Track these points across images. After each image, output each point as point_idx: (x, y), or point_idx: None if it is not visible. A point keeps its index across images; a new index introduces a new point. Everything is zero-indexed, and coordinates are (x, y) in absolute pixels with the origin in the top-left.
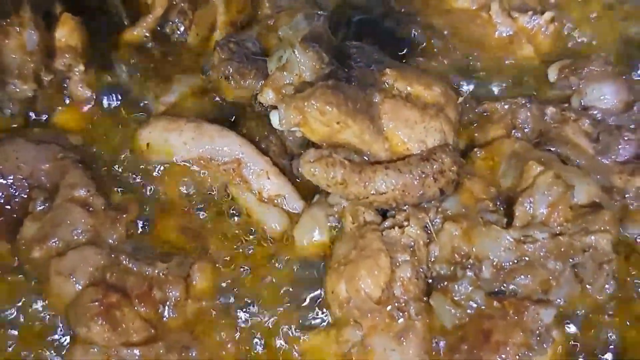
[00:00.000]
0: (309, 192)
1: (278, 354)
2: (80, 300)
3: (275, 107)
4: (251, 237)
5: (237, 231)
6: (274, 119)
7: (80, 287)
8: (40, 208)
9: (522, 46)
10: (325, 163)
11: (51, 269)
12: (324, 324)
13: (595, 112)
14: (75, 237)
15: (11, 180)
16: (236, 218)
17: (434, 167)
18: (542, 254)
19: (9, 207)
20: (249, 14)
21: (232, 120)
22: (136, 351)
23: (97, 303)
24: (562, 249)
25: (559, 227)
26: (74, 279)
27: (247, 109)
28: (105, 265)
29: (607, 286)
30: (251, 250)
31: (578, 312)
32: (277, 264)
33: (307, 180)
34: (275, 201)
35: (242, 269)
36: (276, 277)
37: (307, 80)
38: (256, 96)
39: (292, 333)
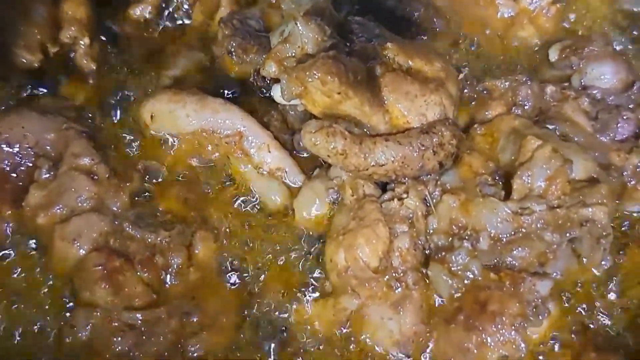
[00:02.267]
0: (309, 167)
1: (277, 321)
2: (83, 264)
3: (277, 81)
4: (252, 209)
5: (238, 203)
6: (276, 92)
7: (84, 252)
8: (45, 176)
9: (524, 27)
10: (326, 133)
11: (55, 235)
12: (323, 292)
13: (594, 91)
14: (80, 205)
15: (17, 149)
16: (237, 190)
17: (434, 140)
18: (539, 226)
19: (14, 175)
20: None
21: (235, 95)
22: (138, 315)
23: (100, 267)
24: (560, 222)
25: (556, 200)
26: (78, 244)
27: (250, 85)
28: (108, 232)
29: (604, 261)
30: (252, 222)
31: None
32: (277, 235)
33: (308, 154)
34: (276, 174)
35: (242, 240)
36: (276, 247)
37: (309, 52)
38: (258, 71)
39: (291, 301)
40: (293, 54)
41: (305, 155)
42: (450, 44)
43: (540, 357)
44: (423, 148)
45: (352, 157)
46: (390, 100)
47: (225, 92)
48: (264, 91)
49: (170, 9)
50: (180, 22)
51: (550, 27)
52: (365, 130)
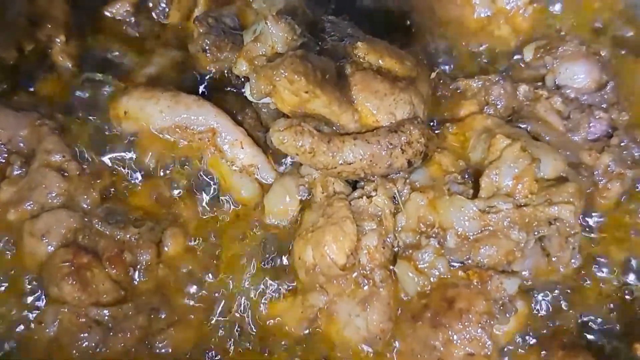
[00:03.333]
0: (283, 164)
1: (245, 318)
2: (52, 260)
3: (249, 79)
4: (223, 205)
5: (209, 199)
6: (247, 90)
7: (52, 249)
8: (17, 172)
9: (500, 27)
10: (294, 131)
11: (25, 231)
12: (291, 289)
13: (568, 90)
14: (50, 201)
15: None
16: (209, 187)
17: (402, 138)
18: (506, 224)
19: None
20: None
21: (210, 93)
22: (105, 311)
23: (68, 263)
24: (527, 220)
25: (523, 199)
26: (47, 240)
27: (225, 83)
28: (77, 228)
29: (573, 260)
30: (222, 218)
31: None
32: (247, 232)
33: (281, 152)
34: (249, 170)
35: (212, 236)
36: (245, 244)
37: (279, 51)
38: (232, 69)
39: (259, 298)
40: (264, 53)
41: (278, 152)
42: (425, 42)
43: (507, 355)
44: (391, 146)
45: (320, 156)
46: (360, 99)
47: (200, 89)
48: (238, 89)
49: (149, 6)
50: (156, 20)
51: (526, 27)
52: (334, 129)
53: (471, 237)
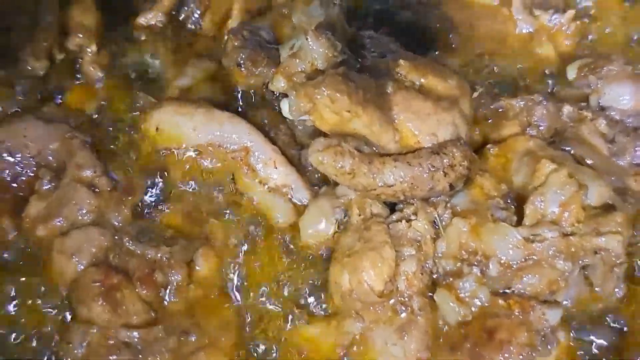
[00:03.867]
0: (317, 184)
1: (278, 342)
2: (82, 280)
3: (286, 96)
4: (256, 226)
5: (242, 219)
6: (285, 107)
7: (82, 267)
8: (46, 187)
9: (542, 44)
10: (334, 152)
11: (54, 248)
12: (326, 314)
13: (612, 112)
14: (80, 218)
15: (19, 158)
16: (242, 207)
17: (444, 161)
18: (551, 253)
19: (15, 184)
20: (265, 1)
21: (243, 108)
22: (135, 333)
23: (98, 284)
24: (572, 249)
25: (569, 227)
26: (77, 259)
27: (259, 98)
28: (108, 247)
29: (617, 289)
30: (255, 239)
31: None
32: (281, 254)
33: (316, 171)
34: (282, 191)
35: (245, 257)
36: (280, 266)
37: (319, 68)
38: (267, 84)
39: (293, 322)
40: (303, 69)
41: (312, 171)
42: (465, 60)
43: None
44: (433, 169)
45: (360, 177)
46: (401, 119)
47: (233, 104)
48: (273, 105)
49: (181, 18)
50: (190, 31)
51: (569, 45)
52: (374, 149)
53: (514, 266)
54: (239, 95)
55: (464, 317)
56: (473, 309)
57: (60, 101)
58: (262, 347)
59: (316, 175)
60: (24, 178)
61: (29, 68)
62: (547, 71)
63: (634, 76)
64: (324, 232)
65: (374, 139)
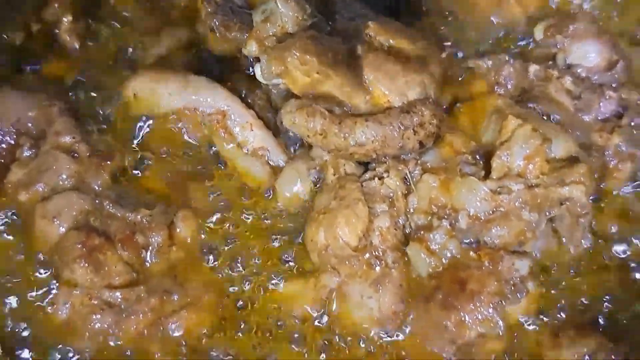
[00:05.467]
0: (292, 147)
1: (257, 299)
2: (63, 243)
3: (259, 60)
4: (234, 188)
5: (220, 182)
6: (258, 71)
7: (64, 230)
8: (27, 154)
9: (510, 5)
10: (305, 113)
11: (36, 213)
12: (303, 272)
13: (579, 70)
14: (61, 183)
15: None
16: (220, 170)
17: (414, 119)
18: (517, 204)
19: None
20: None
21: (219, 74)
22: (118, 293)
23: (80, 245)
24: (538, 200)
25: (534, 179)
26: (58, 222)
27: (234, 63)
28: (89, 210)
29: (583, 240)
30: (234, 201)
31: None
32: (258, 215)
33: (292, 134)
34: (259, 153)
35: (224, 219)
36: (257, 227)
37: (290, 31)
38: (241, 49)
39: (272, 279)
40: (274, 33)
41: (289, 135)
42: (434, 21)
43: (518, 335)
44: (403, 128)
45: (332, 137)
46: (371, 80)
47: (209, 70)
48: (248, 70)
49: None
50: None
51: (537, 6)
52: (346, 110)
53: (483, 218)
54: (215, 61)
55: (435, 269)
56: (444, 260)
57: (38, 71)
58: (242, 304)
59: (290, 134)
60: (4, 146)
61: (6, 37)
62: (514, 31)
63: (599, 34)
64: (300, 192)
65: (345, 99)
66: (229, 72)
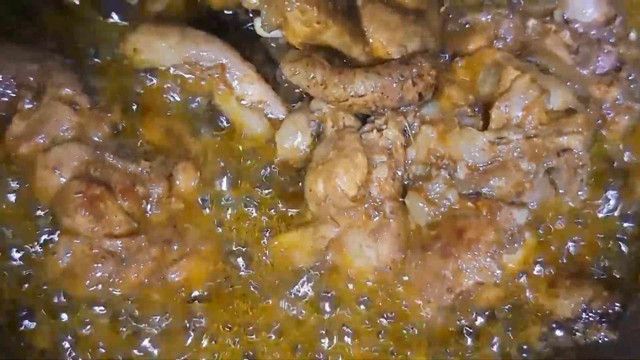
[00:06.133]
0: (291, 100)
1: (257, 249)
2: (64, 192)
3: (258, 13)
4: (233, 141)
5: (219, 135)
6: (257, 23)
7: (65, 181)
8: (27, 106)
9: None
10: (305, 63)
11: (37, 164)
12: (301, 222)
13: (576, 25)
14: (61, 134)
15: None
16: (219, 123)
17: (413, 71)
18: (515, 155)
19: None
20: None
21: (218, 28)
22: (118, 242)
23: (80, 195)
24: (536, 151)
25: (533, 130)
26: (59, 172)
27: (233, 19)
28: (89, 161)
29: (580, 192)
30: (233, 154)
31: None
32: (258, 167)
33: (290, 87)
34: (258, 107)
35: (223, 171)
36: (257, 179)
37: None
38: (240, 3)
39: (271, 229)
40: None
41: (287, 88)
42: None
43: (515, 284)
44: (402, 79)
45: (332, 88)
46: (371, 31)
47: (208, 24)
48: (247, 24)
49: None
50: None
51: None
52: (345, 61)
53: (481, 169)
54: (214, 16)
55: (434, 218)
56: (442, 209)
57: (38, 24)
58: (242, 253)
59: (288, 88)
60: (5, 99)
61: None
62: None
63: None
64: (299, 145)
65: (344, 50)
66: (228, 27)
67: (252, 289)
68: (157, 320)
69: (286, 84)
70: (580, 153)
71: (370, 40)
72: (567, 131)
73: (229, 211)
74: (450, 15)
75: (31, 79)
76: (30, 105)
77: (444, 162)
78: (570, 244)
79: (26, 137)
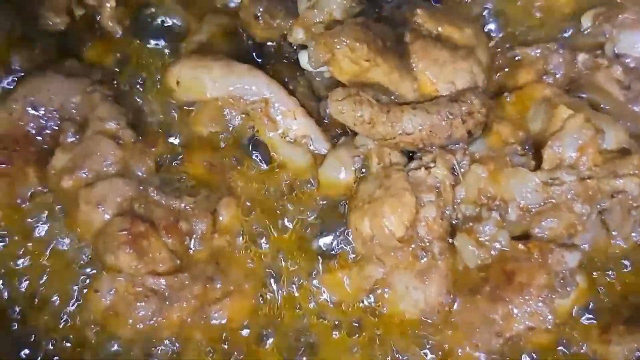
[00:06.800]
0: (335, 134)
1: (299, 288)
2: (108, 229)
3: (304, 47)
4: (276, 176)
5: (263, 170)
6: (303, 58)
7: (108, 217)
8: (70, 139)
9: None
10: (353, 101)
11: (80, 199)
12: (347, 261)
13: (627, 60)
14: (105, 169)
15: (43, 112)
16: (263, 157)
17: (463, 108)
18: (569, 196)
19: (40, 137)
20: None
21: (261, 60)
22: (162, 280)
23: (125, 232)
24: (590, 192)
25: (587, 171)
26: (103, 208)
27: (276, 50)
28: (133, 197)
29: (634, 233)
30: (277, 189)
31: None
32: (301, 203)
33: (334, 122)
34: (302, 141)
35: (266, 206)
36: (300, 215)
37: (337, 18)
38: (285, 36)
39: (315, 268)
40: (321, 20)
41: (331, 122)
42: (481, 9)
43: (567, 329)
44: (451, 117)
45: (379, 126)
46: (419, 68)
47: (251, 57)
48: (291, 57)
49: None
50: None
51: None
52: (392, 98)
53: (533, 210)
54: (257, 48)
55: (484, 261)
56: (493, 252)
57: (81, 56)
58: (285, 292)
59: (332, 122)
60: (48, 131)
61: (50, 24)
62: (562, 20)
63: None
64: (343, 180)
65: (392, 87)
66: (270, 59)
67: (296, 328)
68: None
69: (330, 118)
70: (634, 194)
71: (418, 77)
72: (622, 173)
73: (271, 247)
74: (499, 49)
75: (74, 111)
76: (73, 139)
77: (495, 203)
78: (623, 287)
79: (69, 171)
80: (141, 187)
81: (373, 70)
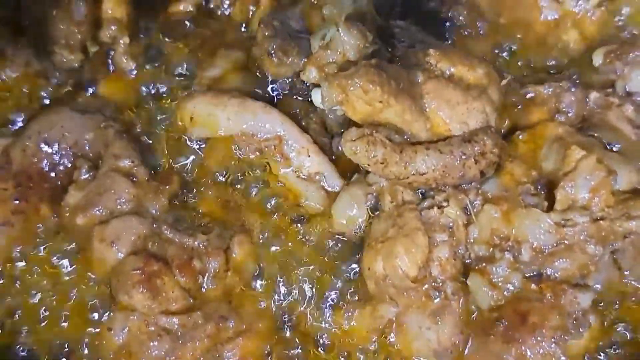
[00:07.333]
0: (348, 171)
1: (313, 328)
2: (122, 267)
3: (317, 86)
4: (289, 213)
5: (276, 207)
6: (316, 97)
7: (122, 256)
8: (84, 177)
9: (568, 30)
10: (366, 142)
11: (94, 237)
12: (360, 300)
13: (639, 98)
14: (119, 207)
15: (56, 149)
16: (275, 194)
17: (475, 148)
18: (582, 238)
19: (53, 174)
20: None
21: (274, 97)
22: (175, 319)
23: (138, 271)
24: (603, 234)
25: (600, 212)
26: (117, 247)
27: (289, 87)
28: (147, 235)
29: None
30: (290, 226)
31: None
32: (314, 241)
33: (347, 159)
34: (315, 179)
35: (279, 244)
36: (313, 253)
37: (351, 59)
38: (298, 74)
39: (327, 308)
40: (334, 60)
41: (343, 159)
42: (492, 48)
43: None
44: (464, 157)
45: (393, 166)
46: (432, 108)
47: (264, 94)
48: (304, 94)
49: (211, 6)
50: (219, 20)
51: (595, 31)
52: (406, 138)
53: (546, 251)
54: (270, 85)
55: (497, 302)
56: (506, 293)
57: (95, 92)
58: (296, 332)
59: (345, 159)
60: (62, 168)
61: (64, 60)
62: (573, 58)
63: None
64: (356, 218)
65: (405, 127)
66: (284, 96)
67: None
68: None
69: (342, 156)
70: None
71: (431, 117)
72: (636, 215)
73: (284, 285)
74: (511, 88)
75: (87, 148)
76: (87, 176)
77: (508, 243)
78: (637, 327)
79: (82, 209)
80: (155, 225)
81: (386, 110)
